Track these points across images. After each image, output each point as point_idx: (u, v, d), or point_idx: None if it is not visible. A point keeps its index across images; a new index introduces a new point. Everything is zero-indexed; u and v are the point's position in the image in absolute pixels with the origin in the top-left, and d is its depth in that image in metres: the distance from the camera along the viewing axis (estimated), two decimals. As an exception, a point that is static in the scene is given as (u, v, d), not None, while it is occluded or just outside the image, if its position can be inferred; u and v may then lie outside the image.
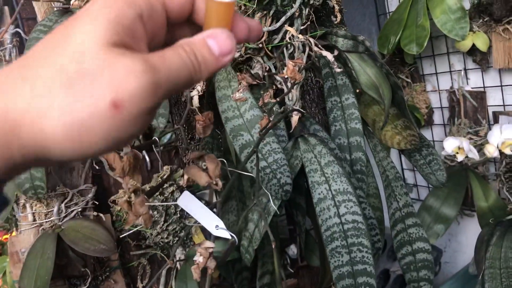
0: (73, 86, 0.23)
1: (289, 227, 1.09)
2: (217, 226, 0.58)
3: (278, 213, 0.76)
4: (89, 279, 0.85)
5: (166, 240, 0.84)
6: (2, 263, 1.04)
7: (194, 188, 0.91)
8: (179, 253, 0.87)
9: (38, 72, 0.23)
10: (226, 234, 0.59)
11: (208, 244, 0.53)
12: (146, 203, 0.55)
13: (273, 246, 0.57)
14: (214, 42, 0.27)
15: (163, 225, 0.83)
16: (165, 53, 0.26)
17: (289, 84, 0.84)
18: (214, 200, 0.94)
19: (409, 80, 1.47)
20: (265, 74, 0.83)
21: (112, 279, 0.82)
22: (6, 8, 0.92)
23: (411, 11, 1.15)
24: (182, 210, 0.90)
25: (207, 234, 0.91)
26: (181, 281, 0.81)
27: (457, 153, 1.09)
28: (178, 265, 0.84)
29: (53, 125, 0.23)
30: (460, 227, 1.50)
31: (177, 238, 0.85)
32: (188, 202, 0.57)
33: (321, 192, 0.80)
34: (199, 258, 0.52)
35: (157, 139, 0.62)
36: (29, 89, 0.23)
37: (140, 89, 0.24)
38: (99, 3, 0.25)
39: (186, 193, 0.54)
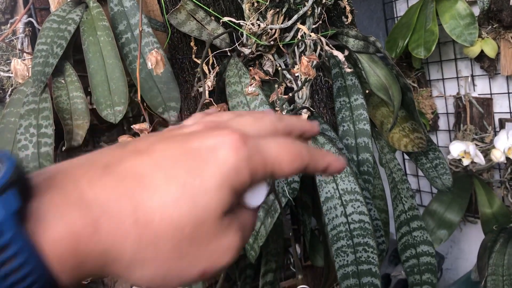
0: (180, 249, 0.24)
1: (293, 226, 1.09)
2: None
3: (285, 209, 0.76)
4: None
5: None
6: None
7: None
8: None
9: (152, 231, 0.23)
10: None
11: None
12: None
13: (290, 234, 0.57)
14: None
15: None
16: (245, 219, 0.28)
17: (299, 82, 0.84)
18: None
19: (415, 85, 1.47)
20: (279, 68, 0.83)
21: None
22: (19, -3, 0.92)
23: (420, 15, 1.15)
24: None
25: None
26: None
27: (463, 157, 1.09)
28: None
29: (143, 275, 0.24)
30: (463, 234, 1.49)
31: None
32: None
33: (329, 191, 0.80)
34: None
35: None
36: (134, 249, 0.23)
37: (229, 262, 0.26)
38: (229, 164, 0.25)
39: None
